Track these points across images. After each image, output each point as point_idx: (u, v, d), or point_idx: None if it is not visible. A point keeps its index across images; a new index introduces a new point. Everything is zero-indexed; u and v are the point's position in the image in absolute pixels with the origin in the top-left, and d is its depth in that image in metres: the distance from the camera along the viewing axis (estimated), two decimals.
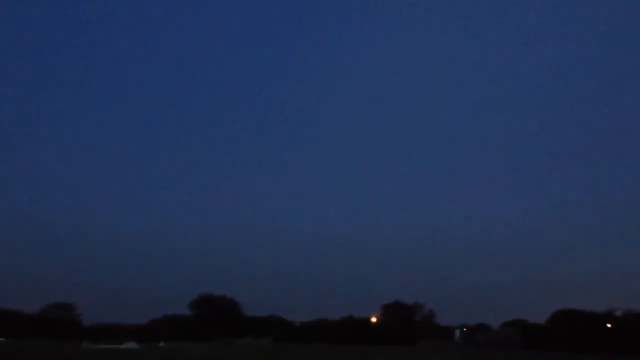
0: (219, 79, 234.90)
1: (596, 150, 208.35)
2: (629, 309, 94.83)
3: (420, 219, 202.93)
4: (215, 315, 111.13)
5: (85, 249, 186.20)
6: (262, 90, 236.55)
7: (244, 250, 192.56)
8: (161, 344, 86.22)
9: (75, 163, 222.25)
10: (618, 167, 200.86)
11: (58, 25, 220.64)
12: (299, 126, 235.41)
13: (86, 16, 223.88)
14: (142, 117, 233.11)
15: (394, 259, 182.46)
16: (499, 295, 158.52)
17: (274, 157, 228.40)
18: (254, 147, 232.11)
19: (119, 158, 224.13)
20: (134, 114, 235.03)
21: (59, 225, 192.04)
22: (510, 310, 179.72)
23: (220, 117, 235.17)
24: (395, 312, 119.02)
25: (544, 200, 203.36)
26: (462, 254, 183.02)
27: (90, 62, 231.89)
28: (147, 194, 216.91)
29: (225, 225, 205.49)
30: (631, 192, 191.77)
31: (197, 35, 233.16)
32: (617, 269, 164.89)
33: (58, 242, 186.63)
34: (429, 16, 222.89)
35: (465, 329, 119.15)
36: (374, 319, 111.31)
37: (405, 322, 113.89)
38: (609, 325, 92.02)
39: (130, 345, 78.80)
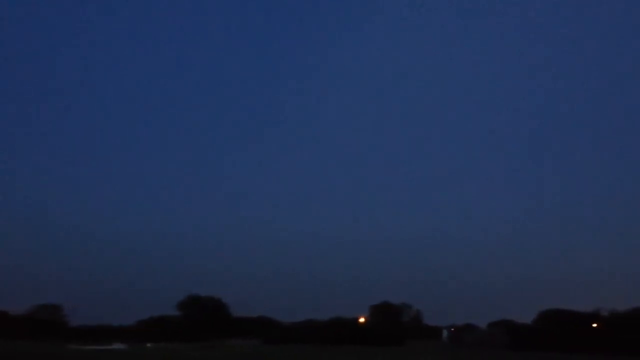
0: (219, 79, 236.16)
1: (596, 150, 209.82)
2: (615, 309, 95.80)
3: (410, 220, 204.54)
4: (203, 316, 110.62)
5: (73, 250, 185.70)
6: (262, 90, 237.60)
7: (232, 250, 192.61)
8: (148, 345, 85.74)
9: (75, 163, 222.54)
10: (619, 167, 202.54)
11: (58, 25, 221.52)
12: (299, 126, 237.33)
13: (86, 16, 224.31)
14: (142, 117, 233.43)
15: (382, 260, 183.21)
16: (487, 295, 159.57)
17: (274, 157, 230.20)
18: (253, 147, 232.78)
19: (119, 158, 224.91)
20: (134, 114, 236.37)
21: (50, 225, 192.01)
22: (498, 310, 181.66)
23: (220, 117, 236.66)
24: (383, 313, 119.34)
25: (541, 201, 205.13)
26: (450, 255, 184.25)
27: (90, 62, 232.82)
28: (146, 195, 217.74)
29: (213, 226, 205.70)
30: (631, 193, 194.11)
31: (197, 35, 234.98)
32: (604, 269, 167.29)
33: (45, 243, 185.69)
34: (429, 16, 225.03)
35: (452, 329, 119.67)
36: (362, 320, 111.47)
37: (393, 322, 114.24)
38: (595, 326, 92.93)
39: (119, 346, 78.32)
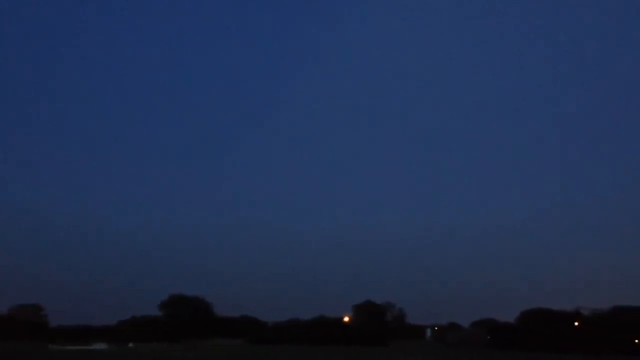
0: (219, 79, 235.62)
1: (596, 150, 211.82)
2: (596, 308, 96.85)
3: (393, 221, 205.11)
4: (186, 316, 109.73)
5: (54, 251, 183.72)
6: (262, 90, 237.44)
7: (215, 251, 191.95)
8: (130, 344, 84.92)
9: (75, 163, 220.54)
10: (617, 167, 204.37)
11: (58, 25, 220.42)
12: (299, 126, 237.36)
13: (86, 16, 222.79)
14: (142, 117, 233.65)
15: (365, 259, 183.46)
16: (470, 294, 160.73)
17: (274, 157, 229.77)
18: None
19: (119, 158, 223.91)
20: (134, 114, 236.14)
21: (34, 223, 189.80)
22: (481, 310, 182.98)
23: (220, 117, 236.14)
24: (367, 312, 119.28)
25: (525, 202, 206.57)
26: (433, 255, 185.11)
27: (90, 62, 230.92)
28: (144, 195, 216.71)
29: (192, 227, 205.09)
30: (614, 194, 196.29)
31: (197, 35, 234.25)
32: (586, 268, 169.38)
33: (27, 243, 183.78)
34: (429, 16, 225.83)
35: (436, 328, 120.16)
36: (346, 319, 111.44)
37: (377, 322, 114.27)
38: (576, 324, 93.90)
39: (100, 346, 77.42)
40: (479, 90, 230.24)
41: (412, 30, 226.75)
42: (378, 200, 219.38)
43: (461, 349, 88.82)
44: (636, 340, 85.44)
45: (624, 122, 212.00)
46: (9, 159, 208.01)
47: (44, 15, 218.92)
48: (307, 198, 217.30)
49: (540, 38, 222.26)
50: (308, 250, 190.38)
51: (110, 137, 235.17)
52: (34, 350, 61.16)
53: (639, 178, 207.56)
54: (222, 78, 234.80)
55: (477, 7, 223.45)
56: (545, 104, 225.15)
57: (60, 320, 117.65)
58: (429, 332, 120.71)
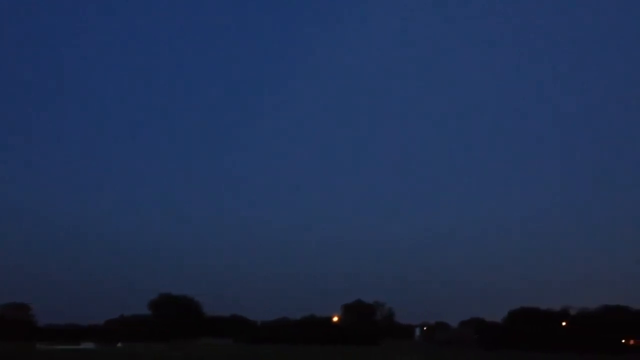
0: (219, 79, 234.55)
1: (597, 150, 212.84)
2: (583, 308, 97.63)
3: (382, 221, 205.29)
4: (175, 315, 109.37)
5: (49, 250, 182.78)
6: (262, 90, 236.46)
7: (205, 250, 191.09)
8: (119, 344, 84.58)
9: (74, 163, 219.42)
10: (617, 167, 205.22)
11: (58, 25, 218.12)
12: (299, 126, 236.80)
13: (86, 16, 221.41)
14: (142, 117, 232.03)
15: (354, 259, 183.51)
16: (459, 293, 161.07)
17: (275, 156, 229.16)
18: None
19: (119, 158, 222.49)
20: (134, 114, 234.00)
21: (21, 222, 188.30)
22: (469, 309, 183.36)
23: (219, 117, 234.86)
24: (356, 312, 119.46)
25: (512, 202, 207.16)
26: (422, 254, 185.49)
27: (90, 62, 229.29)
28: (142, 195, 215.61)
29: (191, 226, 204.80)
30: (605, 191, 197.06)
31: (197, 35, 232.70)
32: (573, 268, 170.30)
33: (25, 244, 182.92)
34: (429, 16, 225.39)
35: (425, 328, 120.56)
36: (335, 318, 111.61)
37: (367, 321, 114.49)
38: (564, 324, 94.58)
39: (88, 345, 77.06)
40: (479, 90, 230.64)
41: (412, 30, 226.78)
42: (378, 200, 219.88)
43: (450, 348, 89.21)
44: (623, 340, 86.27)
45: (624, 122, 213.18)
46: (9, 159, 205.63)
47: (44, 15, 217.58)
48: (307, 198, 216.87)
49: (540, 38, 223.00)
50: (308, 250, 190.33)
51: (110, 137, 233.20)
52: (21, 349, 60.79)
53: (639, 178, 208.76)
54: (222, 78, 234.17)
55: (477, 7, 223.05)
56: (545, 104, 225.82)
57: (49, 319, 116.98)
58: (417, 331, 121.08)
